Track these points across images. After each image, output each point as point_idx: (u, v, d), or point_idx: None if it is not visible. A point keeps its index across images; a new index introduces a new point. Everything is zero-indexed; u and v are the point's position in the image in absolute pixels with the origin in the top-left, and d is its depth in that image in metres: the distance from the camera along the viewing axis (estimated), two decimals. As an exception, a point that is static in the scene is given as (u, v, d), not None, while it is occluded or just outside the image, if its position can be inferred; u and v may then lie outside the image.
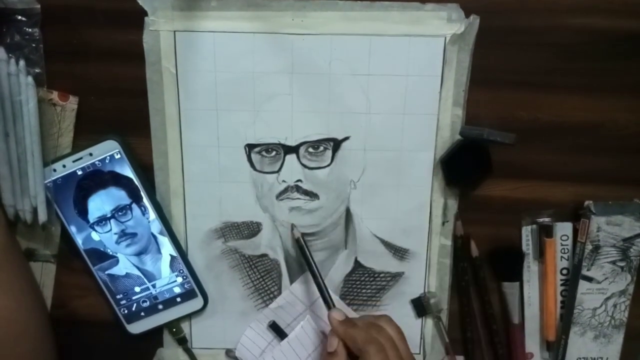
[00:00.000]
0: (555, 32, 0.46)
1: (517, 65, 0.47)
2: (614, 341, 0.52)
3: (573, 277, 0.51)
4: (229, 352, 0.53)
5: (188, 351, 0.53)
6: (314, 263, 0.48)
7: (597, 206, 0.49)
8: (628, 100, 0.47)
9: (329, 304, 0.47)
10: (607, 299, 0.51)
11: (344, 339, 0.44)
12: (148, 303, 0.51)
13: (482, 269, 0.51)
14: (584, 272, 0.50)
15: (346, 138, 0.48)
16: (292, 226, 0.50)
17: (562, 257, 0.51)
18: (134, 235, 0.49)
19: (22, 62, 0.44)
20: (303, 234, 0.49)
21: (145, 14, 0.45)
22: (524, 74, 0.47)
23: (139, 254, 0.50)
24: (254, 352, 0.51)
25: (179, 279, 0.51)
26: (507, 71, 0.47)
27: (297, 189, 0.49)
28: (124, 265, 0.50)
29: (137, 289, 0.51)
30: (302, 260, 0.50)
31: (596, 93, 0.47)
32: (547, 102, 0.47)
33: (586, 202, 0.49)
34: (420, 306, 0.52)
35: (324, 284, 0.47)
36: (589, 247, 0.49)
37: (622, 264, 0.50)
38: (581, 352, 0.52)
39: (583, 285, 0.50)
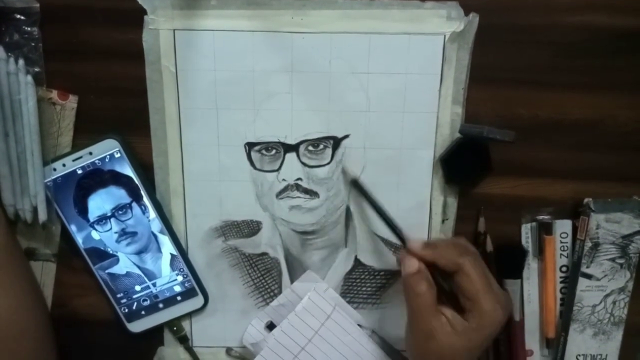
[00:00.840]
0: (554, 29, 0.46)
1: (517, 62, 0.47)
2: (614, 338, 0.52)
3: (572, 275, 0.51)
4: (229, 351, 0.53)
5: (189, 350, 0.53)
6: (378, 201, 0.47)
7: (597, 203, 0.49)
8: (628, 97, 0.47)
9: (403, 239, 0.46)
10: (607, 296, 0.51)
11: (434, 260, 0.43)
12: (148, 302, 0.51)
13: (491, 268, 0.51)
14: (584, 269, 0.50)
15: (346, 136, 0.48)
16: (344, 169, 0.49)
17: (561, 254, 0.51)
18: (134, 234, 0.49)
19: (21, 61, 0.44)
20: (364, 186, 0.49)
21: (144, 12, 0.45)
22: (523, 71, 0.47)
23: (139, 252, 0.50)
24: (255, 350, 0.51)
25: (180, 278, 0.51)
26: (506, 69, 0.47)
27: (297, 187, 0.49)
28: (125, 264, 0.50)
29: (137, 288, 0.51)
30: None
31: (596, 90, 0.47)
32: (546, 99, 0.47)
33: (585, 200, 0.49)
34: (421, 304, 0.52)
35: (393, 219, 0.47)
36: (589, 244, 0.49)
37: (622, 261, 0.50)
38: (581, 349, 0.52)
39: (582, 283, 0.50)
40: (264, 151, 0.49)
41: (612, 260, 0.50)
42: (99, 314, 0.52)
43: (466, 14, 0.45)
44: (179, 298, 0.51)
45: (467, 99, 0.47)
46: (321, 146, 0.49)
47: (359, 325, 0.52)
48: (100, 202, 0.48)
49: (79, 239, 0.49)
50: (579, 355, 0.52)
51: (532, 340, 0.53)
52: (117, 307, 0.51)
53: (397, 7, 0.45)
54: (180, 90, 0.47)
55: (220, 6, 0.45)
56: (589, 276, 0.50)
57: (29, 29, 0.45)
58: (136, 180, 0.48)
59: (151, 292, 0.51)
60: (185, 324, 0.53)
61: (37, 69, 0.46)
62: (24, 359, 0.46)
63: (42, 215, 0.47)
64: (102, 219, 0.49)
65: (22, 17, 0.45)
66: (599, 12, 0.45)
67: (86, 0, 0.45)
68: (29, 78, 0.45)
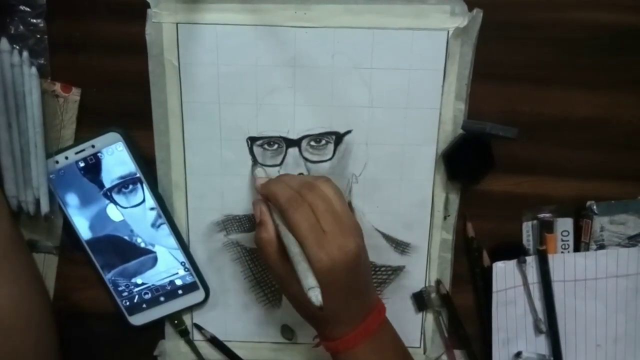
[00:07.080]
0: (559, 26, 0.46)
1: (520, 59, 0.46)
2: None
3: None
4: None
5: (190, 343, 0.53)
6: None
7: (600, 206, 0.48)
8: (632, 95, 0.47)
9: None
10: None
11: (267, 196, 0.40)
12: (150, 295, 0.51)
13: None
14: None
15: (348, 132, 0.48)
16: None
17: (562, 252, 0.51)
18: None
19: (25, 53, 0.45)
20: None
21: (148, 6, 0.45)
22: (527, 68, 0.46)
23: (140, 246, 0.50)
24: None
25: (181, 272, 0.51)
26: (510, 65, 0.47)
27: (299, 182, 0.49)
28: (126, 257, 0.50)
29: (139, 281, 0.51)
30: None
31: (600, 88, 0.47)
32: (550, 97, 0.47)
33: (588, 203, 0.49)
34: (421, 300, 0.52)
35: None
36: (594, 247, 0.49)
37: (630, 262, 0.50)
38: None
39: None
40: (266, 146, 0.49)
41: (620, 261, 0.50)
42: (100, 307, 0.52)
43: (470, 9, 0.45)
44: (180, 292, 0.51)
45: (470, 96, 0.47)
46: (323, 141, 0.48)
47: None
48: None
49: (81, 231, 0.49)
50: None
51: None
52: (118, 300, 0.51)
53: (401, 2, 0.45)
54: (182, 84, 0.47)
55: (224, 0, 0.45)
56: (597, 278, 0.50)
57: (34, 21, 0.45)
58: (138, 174, 0.48)
59: (152, 285, 0.51)
60: (186, 318, 0.53)
61: (41, 61, 0.46)
62: (28, 348, 0.46)
63: (45, 207, 0.47)
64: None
65: (28, 9, 0.45)
66: (603, 9, 0.45)
67: (90, -7, 0.45)
68: (34, 70, 0.45)
